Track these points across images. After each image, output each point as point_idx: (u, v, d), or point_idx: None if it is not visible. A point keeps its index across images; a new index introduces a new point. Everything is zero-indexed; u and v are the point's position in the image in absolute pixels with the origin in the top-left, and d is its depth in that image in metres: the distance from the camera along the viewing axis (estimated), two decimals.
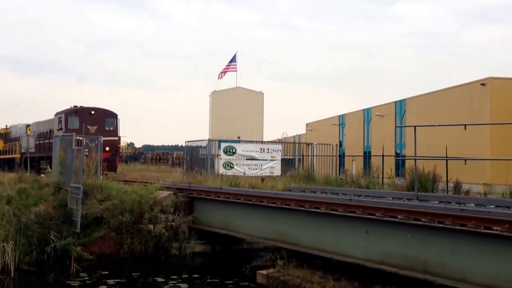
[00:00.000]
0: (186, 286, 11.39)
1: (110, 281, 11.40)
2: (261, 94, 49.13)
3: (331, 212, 10.27)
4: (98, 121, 24.91)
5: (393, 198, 12.19)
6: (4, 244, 12.06)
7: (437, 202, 11.29)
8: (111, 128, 25.56)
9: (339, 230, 10.25)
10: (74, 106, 26.33)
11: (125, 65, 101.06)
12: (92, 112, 25.18)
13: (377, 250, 9.38)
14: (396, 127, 36.88)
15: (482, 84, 28.91)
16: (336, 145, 31.31)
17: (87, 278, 11.78)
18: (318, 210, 10.55)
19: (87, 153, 17.00)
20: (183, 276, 12.31)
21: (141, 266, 13.32)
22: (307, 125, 56.53)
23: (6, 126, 38.93)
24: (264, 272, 11.10)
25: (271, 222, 11.98)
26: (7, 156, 34.64)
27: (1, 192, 14.81)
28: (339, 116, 49.07)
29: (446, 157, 17.73)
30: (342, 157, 37.87)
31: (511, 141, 25.54)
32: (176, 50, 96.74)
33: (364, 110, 44.58)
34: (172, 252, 14.19)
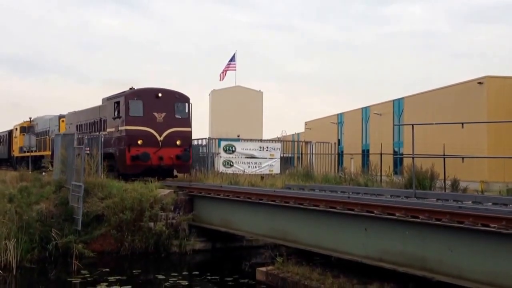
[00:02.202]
0: (186, 283, 11.49)
1: (111, 278, 11.46)
2: (260, 93, 49.15)
3: (330, 209, 10.37)
4: (166, 107, 18.34)
5: (391, 195, 12.32)
6: (6, 241, 12.10)
7: (435, 199, 11.43)
8: (183, 116, 18.85)
9: (338, 228, 10.35)
10: (129, 89, 19.47)
11: (125, 65, 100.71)
12: (159, 95, 18.28)
13: (375, 247, 9.48)
14: (394, 125, 37.00)
15: (479, 83, 29.04)
16: (335, 143, 31.46)
17: (88, 275, 11.83)
18: (317, 208, 10.66)
19: (88, 151, 17.03)
20: (183, 273, 12.39)
21: (142, 263, 13.40)
22: (306, 123, 56.56)
23: (30, 118, 34.25)
24: (264, 269, 11.19)
25: (271, 219, 12.07)
26: (33, 154, 28.61)
27: (3, 190, 14.89)
28: (337, 114, 49.14)
29: (444, 155, 17.87)
30: (340, 155, 38.01)
31: (508, 139, 25.67)
32: (175, 50, 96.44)
33: (362, 108, 44.66)
34: (173, 249, 14.28)
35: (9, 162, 35.81)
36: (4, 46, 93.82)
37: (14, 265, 12.01)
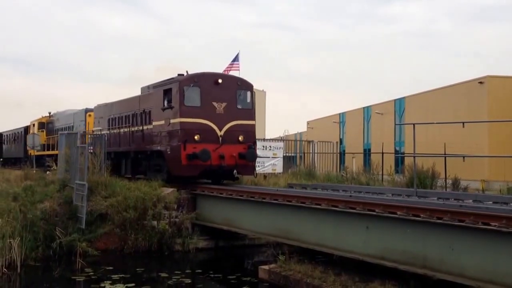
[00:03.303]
0: (189, 281, 11.53)
1: (115, 276, 11.52)
2: (263, 92, 49.24)
3: (332, 208, 10.44)
4: (227, 95, 15.35)
5: (392, 194, 12.39)
6: (11, 240, 12.16)
7: (435, 198, 11.50)
8: (245, 107, 15.83)
9: (340, 226, 10.41)
10: (179, 75, 16.07)
11: (127, 64, 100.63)
12: (220, 81, 15.25)
13: (377, 245, 9.53)
14: (395, 124, 37.08)
15: (480, 83, 29.12)
16: (337, 142, 31.49)
17: (92, 273, 11.90)
18: (319, 207, 10.72)
19: (91, 150, 17.08)
20: (186, 271, 12.43)
21: (145, 261, 13.46)
22: (308, 123, 56.68)
23: (50, 113, 32.10)
24: (266, 267, 11.26)
25: (273, 218, 12.14)
26: (54, 152, 25.78)
27: (7, 189, 14.98)
28: (339, 114, 49.23)
29: (445, 154, 17.93)
30: (342, 154, 38.07)
31: (509, 138, 25.73)
32: (176, 49, 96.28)
33: (364, 108, 44.76)
34: (176, 247, 14.35)
35: (25, 161, 32.34)
36: (5, 45, 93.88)
37: (18, 263, 12.07)
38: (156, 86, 16.63)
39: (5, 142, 40.92)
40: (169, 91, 15.57)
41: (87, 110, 25.10)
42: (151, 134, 16.33)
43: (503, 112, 26.11)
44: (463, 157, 14.22)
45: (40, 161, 26.89)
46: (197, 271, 12.83)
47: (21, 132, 35.29)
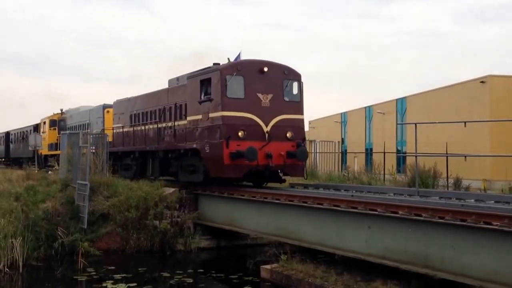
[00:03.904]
0: (191, 281, 11.54)
1: (117, 276, 11.53)
2: None
3: (334, 208, 10.44)
4: (273, 86, 13.70)
5: (394, 194, 12.35)
6: (13, 240, 12.18)
7: (437, 197, 11.46)
8: (293, 99, 14.10)
9: (342, 226, 10.41)
10: (214, 64, 14.39)
11: (129, 64, 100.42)
12: (265, 70, 13.56)
13: (378, 245, 9.54)
14: (397, 124, 37.08)
15: (482, 82, 29.08)
16: (339, 142, 31.50)
17: (94, 273, 11.91)
18: (321, 206, 10.72)
19: (94, 150, 17.06)
20: (189, 271, 12.44)
21: (147, 261, 13.44)
22: (309, 122, 56.61)
23: (61, 110, 30.39)
24: (268, 267, 11.27)
25: (275, 218, 12.14)
26: None
27: (9, 189, 15.00)
28: (341, 113, 49.22)
29: (447, 153, 17.89)
30: (344, 154, 38.04)
31: (510, 137, 25.69)
32: (177, 49, 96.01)
33: (365, 107, 44.74)
34: (178, 247, 14.36)
35: (34, 161, 31.08)
36: (6, 45, 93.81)
37: (20, 263, 12.09)
38: (191, 76, 14.79)
39: (13, 141, 39.21)
40: (207, 82, 13.81)
41: (105, 106, 23.51)
42: (185, 131, 14.66)
43: (505, 112, 26.08)
44: (465, 156, 14.18)
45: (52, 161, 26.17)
46: (199, 270, 12.85)
47: (31, 130, 33.73)
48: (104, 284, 10.88)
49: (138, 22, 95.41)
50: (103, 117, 23.33)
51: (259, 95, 13.52)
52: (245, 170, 13.08)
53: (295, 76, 14.32)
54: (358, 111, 45.77)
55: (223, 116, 13.18)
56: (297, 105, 14.16)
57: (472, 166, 21.72)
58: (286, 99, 13.95)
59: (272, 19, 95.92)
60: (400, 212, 9.09)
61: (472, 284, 7.98)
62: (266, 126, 13.44)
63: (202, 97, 14.01)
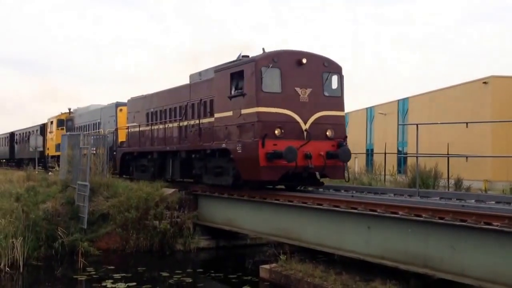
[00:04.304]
0: (191, 280, 11.57)
1: (116, 276, 11.59)
2: None
3: (334, 208, 10.41)
4: (312, 79, 12.54)
5: (394, 194, 12.31)
6: (13, 240, 12.28)
7: (438, 198, 11.43)
8: (334, 94, 12.93)
9: (341, 226, 10.40)
10: (243, 56, 13.50)
11: (129, 64, 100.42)
12: (304, 61, 12.38)
13: (378, 245, 9.55)
14: (398, 125, 37.05)
15: (484, 83, 29.02)
16: None
17: (94, 272, 11.98)
18: (321, 207, 10.71)
19: (94, 151, 17.10)
20: (188, 270, 12.47)
21: (147, 261, 13.49)
22: None
23: (69, 109, 29.18)
24: (267, 266, 11.27)
25: (275, 218, 12.14)
26: None
27: (10, 189, 15.08)
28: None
29: (448, 154, 17.87)
30: None
31: None
32: (178, 48, 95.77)
33: (367, 108, 44.74)
34: (177, 247, 14.41)
35: (41, 162, 30.18)
36: (6, 46, 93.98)
37: (21, 263, 12.18)
38: (219, 69, 13.52)
39: (18, 142, 38.22)
40: (239, 75, 12.60)
41: (118, 105, 22.27)
42: (212, 129, 13.48)
43: (507, 112, 26.01)
44: (466, 157, 14.17)
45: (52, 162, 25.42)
46: (198, 270, 12.86)
47: (37, 130, 32.76)
48: (103, 284, 10.93)
49: (134, 21, 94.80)
50: (116, 116, 22.09)
51: (297, 89, 12.29)
52: (282, 172, 11.86)
53: (336, 69, 13.03)
54: (360, 112, 45.78)
55: (258, 113, 11.87)
56: (337, 101, 12.92)
57: (474, 167, 21.72)
58: (326, 93, 12.71)
59: (273, 19, 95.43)
60: (400, 213, 9.07)
61: (472, 284, 7.97)
62: (305, 123, 12.23)
63: (233, 91, 12.74)
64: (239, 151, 12.35)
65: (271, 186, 12.99)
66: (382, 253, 9.44)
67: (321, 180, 13.33)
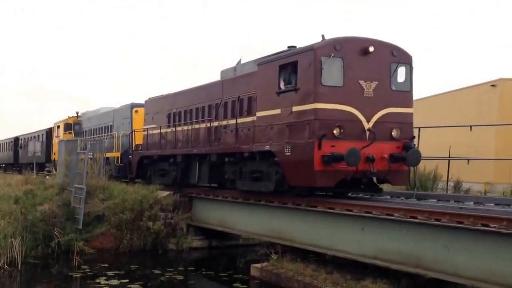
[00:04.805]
0: (182, 278, 11.72)
1: (110, 273, 11.85)
2: None
3: (328, 210, 10.39)
4: (379, 71, 10.86)
5: (390, 196, 12.12)
6: (12, 239, 12.71)
7: (435, 200, 11.29)
8: (402, 88, 11.16)
9: (335, 227, 10.39)
10: (289, 47, 12.10)
11: (128, 64, 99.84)
12: (370, 50, 10.69)
13: (371, 245, 9.53)
14: None
15: (492, 86, 28.72)
16: None
17: (88, 270, 12.27)
18: (315, 209, 10.68)
19: (91, 156, 17.33)
20: (179, 268, 12.65)
21: (139, 259, 13.70)
22: None
23: (77, 113, 27.81)
24: (258, 265, 11.30)
25: (268, 220, 12.16)
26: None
27: (9, 192, 15.45)
28: None
29: (449, 157, 17.69)
30: None
31: None
32: (179, 52, 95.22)
33: None
34: (170, 247, 14.57)
35: (46, 167, 29.62)
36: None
37: (19, 261, 12.57)
38: (263, 62, 11.96)
39: (22, 147, 36.78)
40: (291, 67, 11.02)
41: (133, 106, 20.68)
42: (252, 129, 11.98)
43: None
44: (468, 160, 14.01)
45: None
46: (190, 268, 13.02)
47: (42, 135, 31.79)
48: (97, 280, 11.18)
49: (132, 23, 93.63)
50: (131, 118, 20.41)
51: (361, 82, 10.56)
52: (339, 178, 10.28)
53: (406, 59, 11.17)
54: None
55: (316, 109, 10.22)
56: (406, 96, 11.11)
57: (476, 169, 21.44)
58: (393, 87, 10.96)
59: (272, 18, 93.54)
60: (395, 214, 8.99)
61: (465, 284, 7.93)
62: (368, 121, 10.57)
63: (282, 86, 11.17)
64: (287, 153, 10.78)
65: (322, 193, 11.40)
66: (375, 253, 9.42)
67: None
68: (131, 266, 12.72)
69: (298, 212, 11.18)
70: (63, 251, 13.64)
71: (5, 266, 12.29)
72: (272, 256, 11.16)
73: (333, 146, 10.20)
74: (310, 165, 10.17)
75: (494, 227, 7.49)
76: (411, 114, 11.22)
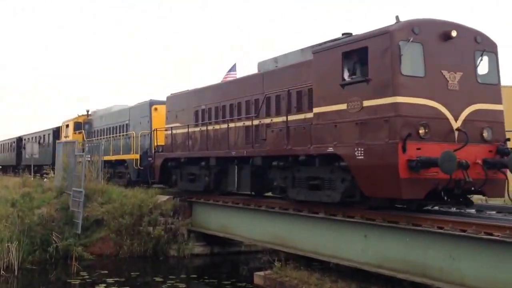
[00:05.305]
0: (184, 286, 11.55)
1: (110, 280, 11.65)
2: None
3: (330, 217, 10.31)
4: (463, 60, 9.38)
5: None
6: (9, 244, 12.46)
7: (437, 207, 11.29)
8: (489, 81, 9.70)
9: (337, 234, 10.29)
10: (344, 34, 10.66)
11: (128, 64, 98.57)
12: (453, 35, 9.13)
13: (375, 253, 9.43)
14: None
15: None
16: None
17: (87, 276, 12.04)
18: (317, 215, 10.62)
19: (89, 159, 17.10)
20: (181, 276, 12.49)
21: (140, 266, 13.53)
22: None
23: (88, 111, 25.77)
24: (262, 273, 11.17)
25: (270, 226, 12.07)
26: (107, 158, 20.05)
27: (6, 195, 15.18)
28: None
29: None
30: None
31: None
32: (179, 52, 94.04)
33: None
34: (171, 253, 14.39)
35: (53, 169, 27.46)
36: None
37: (16, 267, 12.32)
38: (321, 49, 10.38)
39: (26, 147, 33.23)
40: (357, 54, 9.57)
41: (152, 103, 19.12)
42: (308, 128, 10.44)
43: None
44: None
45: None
46: (192, 276, 12.85)
47: (49, 134, 29.80)
48: None
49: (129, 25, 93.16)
50: (150, 116, 18.82)
51: (444, 73, 9.07)
52: (429, 188, 8.64)
53: (491, 46, 9.74)
54: None
55: (397, 104, 8.65)
56: (494, 90, 9.62)
57: None
58: (479, 80, 9.49)
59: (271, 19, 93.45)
60: (399, 222, 8.94)
61: None
62: (455, 120, 9.04)
63: (346, 77, 9.71)
64: (359, 157, 9.13)
65: (401, 206, 9.80)
66: (379, 261, 9.29)
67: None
68: (132, 273, 12.53)
69: (299, 218, 11.13)
70: (61, 257, 13.40)
71: (1, 271, 12.05)
72: (276, 264, 11.08)
73: (418, 149, 8.55)
74: (393, 171, 8.48)
75: (498, 235, 7.40)
76: (501, 112, 9.68)
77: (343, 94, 9.61)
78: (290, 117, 11.01)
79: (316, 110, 10.25)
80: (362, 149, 9.08)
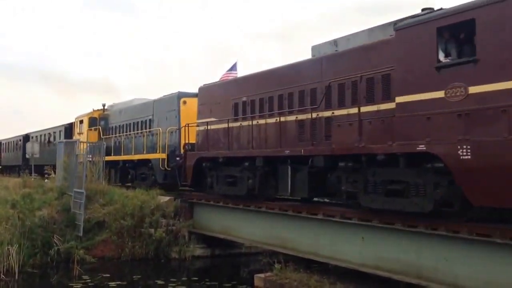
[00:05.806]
0: None
1: (112, 284, 11.66)
2: None
3: (328, 218, 10.47)
4: None
5: None
6: (9, 247, 12.36)
7: None
8: None
9: (336, 236, 10.45)
10: (424, 9, 8.84)
11: (127, 65, 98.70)
12: None
13: (372, 255, 9.59)
14: None
15: None
16: None
17: (89, 280, 12.04)
18: (316, 217, 10.78)
19: (90, 159, 17.08)
20: (183, 279, 12.56)
21: (142, 269, 13.59)
22: None
23: (104, 105, 23.44)
24: (262, 275, 11.27)
25: (270, 227, 12.19)
26: (113, 158, 19.37)
27: (6, 196, 15.11)
28: None
29: None
30: None
31: None
32: (179, 52, 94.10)
33: None
34: (172, 255, 14.47)
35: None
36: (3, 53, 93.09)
37: (16, 270, 12.25)
38: (404, 26, 8.67)
39: (26, 146, 29.25)
40: (459, 29, 8.03)
41: (180, 96, 17.27)
42: (388, 122, 8.76)
43: None
44: None
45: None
46: (193, 278, 12.91)
47: (60, 131, 27.71)
48: None
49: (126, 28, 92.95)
50: (179, 110, 17.01)
51: None
52: None
53: None
54: None
55: None
56: None
57: None
58: None
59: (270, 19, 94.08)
60: (395, 224, 9.11)
61: None
62: None
63: (443, 58, 8.14)
64: (464, 156, 7.53)
65: None
66: (376, 263, 9.47)
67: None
68: (134, 276, 12.57)
69: (299, 219, 11.25)
70: (62, 260, 13.36)
71: (1, 275, 11.97)
72: (275, 266, 11.19)
73: None
74: None
75: (489, 236, 7.48)
76: None
77: (440, 79, 7.98)
78: (365, 109, 9.31)
79: (399, 99, 8.52)
80: (469, 146, 7.42)
